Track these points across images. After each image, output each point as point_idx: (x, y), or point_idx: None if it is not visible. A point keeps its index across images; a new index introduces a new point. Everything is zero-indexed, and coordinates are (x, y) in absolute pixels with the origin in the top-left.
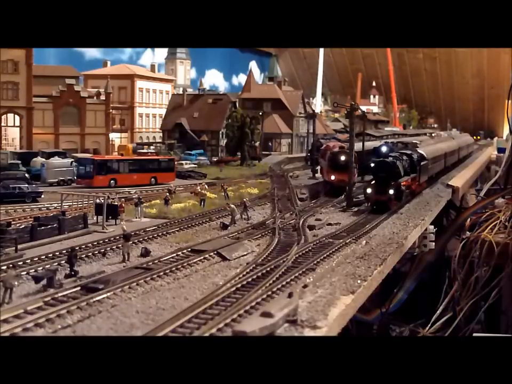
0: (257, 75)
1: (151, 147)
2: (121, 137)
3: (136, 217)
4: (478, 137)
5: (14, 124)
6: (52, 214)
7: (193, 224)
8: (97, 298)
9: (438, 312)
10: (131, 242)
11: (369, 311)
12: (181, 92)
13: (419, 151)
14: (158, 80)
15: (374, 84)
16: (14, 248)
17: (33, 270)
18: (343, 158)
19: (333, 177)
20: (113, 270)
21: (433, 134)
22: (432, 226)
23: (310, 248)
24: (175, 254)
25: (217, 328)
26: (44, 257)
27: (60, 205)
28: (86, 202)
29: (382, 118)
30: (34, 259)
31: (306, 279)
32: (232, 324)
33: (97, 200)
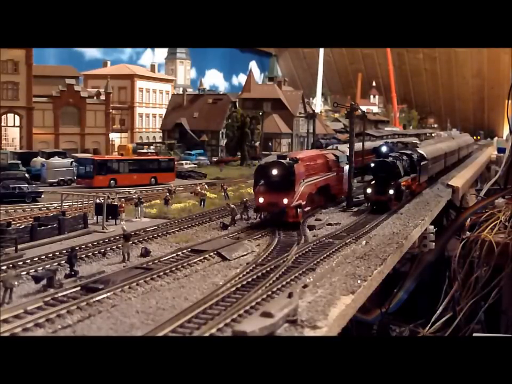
0: (257, 75)
1: (151, 147)
2: (121, 137)
3: (136, 217)
4: (478, 137)
5: (14, 124)
6: (51, 214)
7: (193, 224)
8: (97, 298)
9: (438, 312)
10: (131, 242)
11: (369, 311)
12: (181, 92)
13: (419, 151)
14: (158, 80)
15: (374, 83)
16: (14, 248)
17: (33, 270)
18: (275, 172)
19: (261, 200)
20: (113, 270)
21: (433, 134)
22: (432, 226)
23: (310, 248)
24: (175, 254)
25: (217, 328)
26: (44, 257)
27: (60, 205)
28: (86, 202)
29: (382, 118)
30: (34, 259)
31: (306, 279)
32: (232, 324)
33: (97, 200)
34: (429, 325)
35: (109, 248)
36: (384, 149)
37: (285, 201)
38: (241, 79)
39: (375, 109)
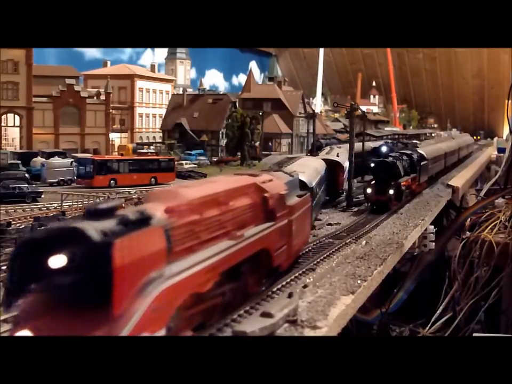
0: (257, 75)
1: (151, 147)
2: (121, 137)
3: None
4: (478, 137)
5: (14, 124)
6: (51, 214)
7: None
8: None
9: (438, 312)
10: None
11: (369, 311)
12: (181, 92)
13: (419, 151)
14: (158, 80)
15: (374, 83)
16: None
17: None
18: (55, 262)
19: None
20: None
21: (433, 134)
22: (432, 226)
23: (310, 248)
24: None
25: (217, 328)
26: None
27: (60, 205)
28: (86, 202)
29: (382, 118)
30: None
31: (306, 279)
32: (232, 324)
33: (97, 200)
34: (429, 325)
35: None
36: (384, 149)
37: None
38: (241, 79)
39: (375, 109)
